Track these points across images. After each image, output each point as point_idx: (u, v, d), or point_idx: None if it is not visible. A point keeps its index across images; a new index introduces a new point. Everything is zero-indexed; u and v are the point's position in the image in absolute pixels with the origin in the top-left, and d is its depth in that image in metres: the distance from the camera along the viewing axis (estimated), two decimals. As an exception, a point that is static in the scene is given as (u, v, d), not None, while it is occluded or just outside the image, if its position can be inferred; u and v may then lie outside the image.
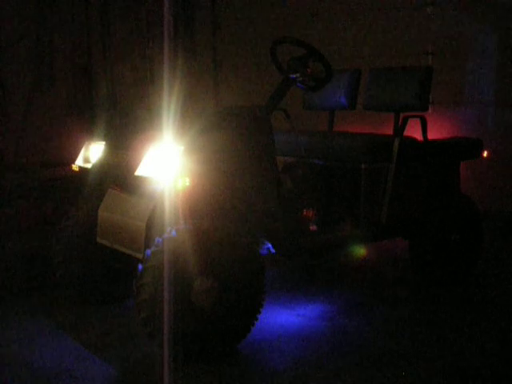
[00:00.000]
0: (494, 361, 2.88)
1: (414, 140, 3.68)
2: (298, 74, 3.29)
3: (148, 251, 2.77)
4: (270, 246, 3.23)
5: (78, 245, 3.46)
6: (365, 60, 5.73)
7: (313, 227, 3.47)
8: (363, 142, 3.52)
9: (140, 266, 2.75)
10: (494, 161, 4.71)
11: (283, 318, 3.39)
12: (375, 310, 3.52)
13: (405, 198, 3.62)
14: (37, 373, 2.75)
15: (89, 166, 3.48)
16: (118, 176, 3.25)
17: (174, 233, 2.71)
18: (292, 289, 3.90)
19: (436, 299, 3.71)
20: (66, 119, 6.11)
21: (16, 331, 3.21)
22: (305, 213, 3.52)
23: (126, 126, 3.47)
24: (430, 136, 3.77)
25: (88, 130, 5.32)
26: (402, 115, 3.71)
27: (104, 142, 3.41)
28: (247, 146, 3.01)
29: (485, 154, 4.11)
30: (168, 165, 2.75)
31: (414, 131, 3.71)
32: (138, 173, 2.89)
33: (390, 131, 3.81)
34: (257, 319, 2.94)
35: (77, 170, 3.55)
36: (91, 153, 3.53)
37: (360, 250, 4.21)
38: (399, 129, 3.65)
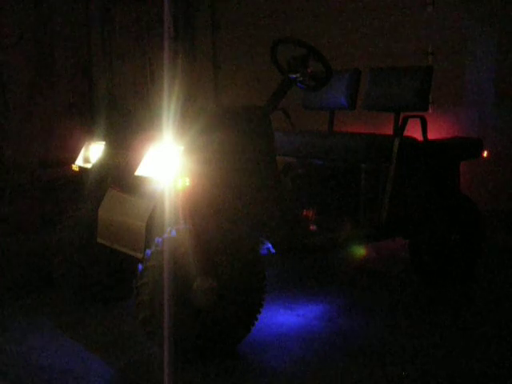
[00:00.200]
0: (494, 361, 2.88)
1: (414, 140, 3.68)
2: (298, 74, 3.29)
3: (148, 251, 2.77)
4: (269, 245, 3.23)
5: (78, 245, 3.47)
6: (365, 60, 5.73)
7: (313, 227, 3.47)
8: (363, 142, 3.52)
9: (140, 266, 2.75)
10: (494, 161, 4.70)
11: (283, 318, 3.39)
12: (375, 310, 3.52)
13: (405, 198, 3.62)
14: (37, 373, 2.75)
15: (89, 166, 3.48)
16: (117, 176, 3.25)
17: (173, 233, 2.71)
18: (292, 289, 3.90)
19: (436, 299, 3.71)
20: (66, 119, 6.11)
21: (16, 331, 3.21)
22: (305, 213, 3.53)
23: (126, 126, 3.47)
24: (430, 136, 3.77)
25: (88, 130, 5.32)
26: (402, 115, 3.71)
27: (104, 142, 3.41)
28: (247, 145, 3.01)
29: (485, 154, 4.11)
30: (168, 165, 2.75)
31: (414, 131, 3.71)
32: (137, 173, 2.89)
33: (390, 131, 3.81)
34: (257, 319, 2.94)
35: (77, 169, 3.55)
36: (91, 153, 3.53)
37: (360, 250, 4.21)
38: (399, 129, 3.65)
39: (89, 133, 3.68)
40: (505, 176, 5.15)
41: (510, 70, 5.16)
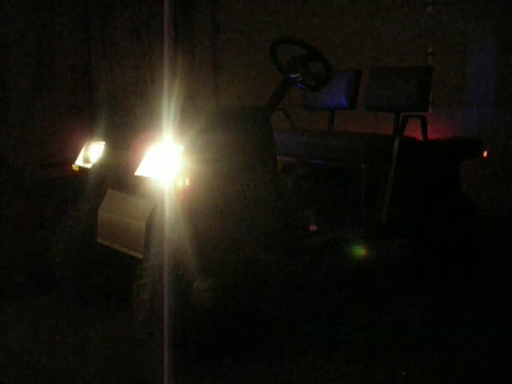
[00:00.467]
0: (494, 361, 2.88)
1: (414, 140, 3.68)
2: (298, 74, 3.29)
3: (148, 251, 2.76)
4: (269, 245, 3.23)
5: (78, 245, 3.47)
6: (365, 60, 5.73)
7: (313, 227, 3.47)
8: (363, 142, 3.52)
9: (140, 266, 2.75)
10: (494, 161, 4.71)
11: (283, 317, 3.39)
12: (375, 310, 3.51)
13: (405, 198, 3.62)
14: (37, 373, 2.75)
15: (89, 166, 3.47)
16: (117, 176, 3.25)
17: (174, 233, 2.70)
18: (292, 289, 3.89)
19: (436, 299, 3.71)
20: (66, 119, 6.11)
21: (16, 331, 3.21)
22: (305, 213, 3.53)
23: (125, 126, 3.47)
24: (430, 136, 3.77)
25: (88, 130, 5.32)
26: (402, 115, 3.71)
27: (104, 142, 3.41)
28: (247, 145, 3.01)
29: (485, 154, 4.11)
30: (168, 165, 2.75)
31: (414, 131, 3.71)
32: (137, 173, 2.89)
33: (390, 131, 3.81)
34: (257, 319, 2.93)
35: (77, 169, 3.55)
36: (91, 153, 3.53)
37: (360, 250, 4.21)
38: (399, 129, 3.65)
39: (89, 133, 3.68)
40: (505, 176, 5.15)
41: (510, 71, 5.16)
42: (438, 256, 3.82)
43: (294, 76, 3.28)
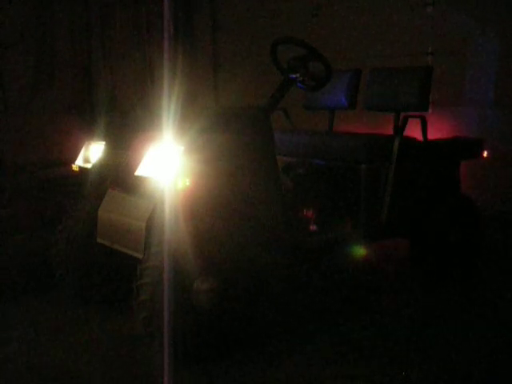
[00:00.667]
0: (494, 361, 2.88)
1: (414, 140, 3.68)
2: (298, 74, 3.29)
3: (148, 251, 2.76)
4: (269, 245, 3.23)
5: (78, 245, 3.46)
6: (365, 60, 5.73)
7: (313, 227, 3.47)
8: (363, 141, 3.52)
9: (140, 266, 2.75)
10: (494, 161, 4.70)
11: (282, 318, 3.39)
12: (375, 310, 3.51)
13: (405, 198, 3.62)
14: (37, 373, 2.75)
15: (89, 166, 3.48)
16: (117, 176, 3.25)
17: (174, 233, 2.70)
18: (292, 289, 3.89)
19: (436, 299, 3.71)
20: (66, 119, 6.11)
21: (16, 331, 3.21)
22: (305, 213, 3.52)
23: (125, 126, 3.47)
24: (430, 136, 3.77)
25: (88, 130, 5.32)
26: (402, 115, 3.71)
27: (104, 142, 3.41)
28: (247, 145, 3.01)
29: (485, 154, 4.11)
30: (168, 165, 2.75)
31: (414, 131, 3.71)
32: (138, 173, 2.89)
33: (390, 131, 3.81)
34: (257, 319, 2.93)
35: (77, 169, 3.55)
36: (91, 153, 3.53)
37: (360, 250, 4.20)
38: (399, 129, 3.65)
39: (89, 133, 3.68)
40: (505, 176, 5.15)
41: (510, 70, 5.16)
42: (438, 256, 3.82)
43: (294, 76, 3.28)
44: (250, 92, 6.63)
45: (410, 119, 3.63)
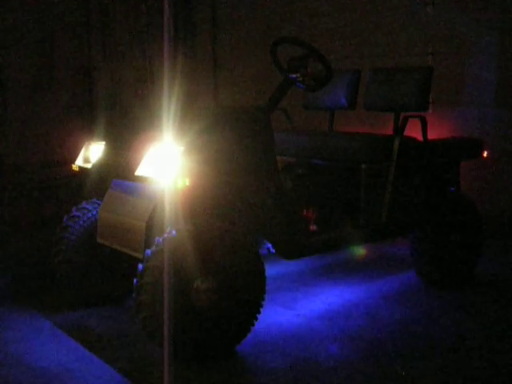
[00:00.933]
0: (495, 361, 2.88)
1: (414, 140, 3.68)
2: (298, 74, 3.29)
3: (148, 251, 2.77)
4: (269, 245, 3.23)
5: (78, 245, 3.47)
6: (365, 60, 5.73)
7: (313, 227, 3.47)
8: (363, 141, 3.52)
9: (140, 266, 2.75)
10: (494, 161, 4.70)
11: (283, 318, 3.39)
12: (375, 310, 3.51)
13: (405, 198, 3.62)
14: (37, 373, 2.75)
15: (89, 166, 3.48)
16: (118, 176, 3.25)
17: (173, 233, 2.71)
18: (292, 289, 3.89)
19: (436, 299, 3.71)
20: (66, 119, 6.12)
21: (16, 331, 3.21)
22: (305, 213, 3.52)
23: (125, 126, 3.47)
24: (430, 136, 3.77)
25: (88, 130, 5.33)
26: (402, 115, 3.71)
27: (104, 142, 3.41)
28: (247, 145, 3.01)
29: (485, 154, 4.11)
30: (168, 165, 2.75)
31: (414, 131, 3.71)
32: (138, 173, 2.89)
33: (390, 131, 3.80)
34: (257, 319, 2.94)
35: (77, 170, 3.55)
36: (91, 153, 3.53)
37: (360, 250, 4.21)
38: (399, 129, 3.65)
39: (89, 133, 3.68)
40: (505, 176, 5.15)
41: (510, 70, 5.16)
42: (439, 256, 3.82)
43: (294, 76, 3.28)
44: (250, 92, 6.64)
45: (410, 119, 3.63)
